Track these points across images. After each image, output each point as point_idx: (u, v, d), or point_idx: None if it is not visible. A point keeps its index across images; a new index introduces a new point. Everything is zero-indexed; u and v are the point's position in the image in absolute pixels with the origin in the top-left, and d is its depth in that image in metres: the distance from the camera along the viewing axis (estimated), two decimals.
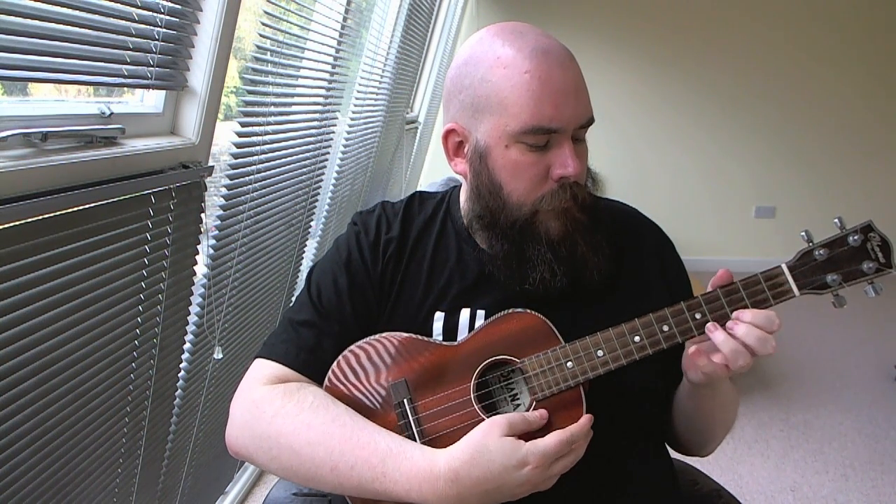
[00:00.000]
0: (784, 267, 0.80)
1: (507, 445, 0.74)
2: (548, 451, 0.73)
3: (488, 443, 0.74)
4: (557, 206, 0.83)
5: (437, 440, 0.80)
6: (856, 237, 0.78)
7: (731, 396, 0.91)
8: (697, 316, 0.79)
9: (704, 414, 0.91)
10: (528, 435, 0.76)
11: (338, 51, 2.00)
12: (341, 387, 0.85)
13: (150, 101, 1.17)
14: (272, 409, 0.82)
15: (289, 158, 1.74)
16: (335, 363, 0.86)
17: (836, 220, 0.80)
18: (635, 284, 0.92)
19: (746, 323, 0.76)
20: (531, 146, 0.81)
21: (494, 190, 0.85)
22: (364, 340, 0.86)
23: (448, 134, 0.88)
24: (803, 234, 0.81)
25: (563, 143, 0.82)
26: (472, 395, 0.82)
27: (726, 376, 0.79)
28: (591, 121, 0.84)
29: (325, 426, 0.80)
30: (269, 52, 1.51)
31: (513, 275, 0.86)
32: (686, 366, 0.82)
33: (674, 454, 0.99)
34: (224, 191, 1.40)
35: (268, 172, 1.59)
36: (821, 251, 0.79)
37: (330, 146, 2.07)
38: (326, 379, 0.86)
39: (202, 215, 1.26)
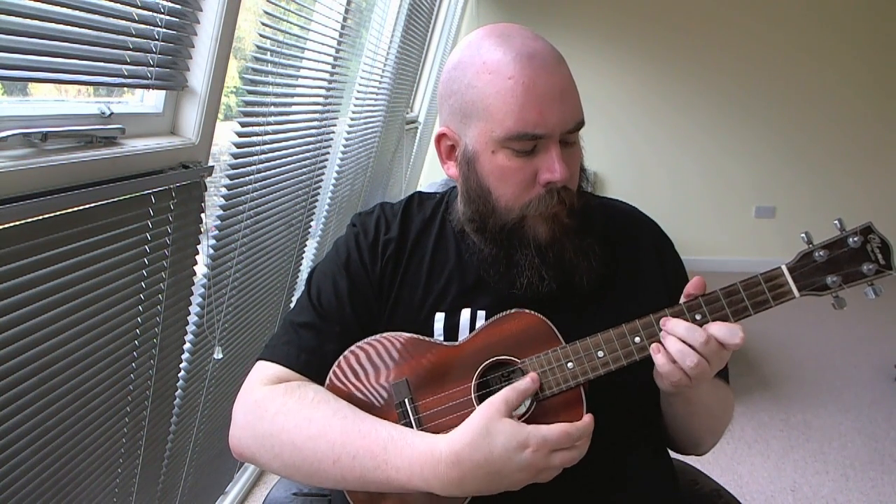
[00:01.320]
0: (784, 268, 0.80)
1: (508, 427, 0.74)
2: (549, 436, 0.73)
3: (489, 425, 0.74)
4: (545, 211, 0.83)
5: None
6: (856, 239, 0.78)
7: (711, 403, 0.89)
8: (698, 317, 0.79)
9: (682, 419, 0.91)
10: (530, 423, 0.76)
11: (338, 51, 2.00)
12: (343, 386, 0.85)
13: (150, 101, 1.17)
14: (274, 407, 0.82)
15: (289, 158, 1.74)
16: (337, 362, 0.86)
17: (836, 222, 0.80)
18: (633, 283, 0.92)
19: (673, 335, 0.77)
20: (517, 152, 0.81)
21: (483, 195, 0.85)
22: (366, 340, 0.87)
23: (440, 138, 0.89)
24: (803, 235, 0.81)
25: (550, 147, 0.81)
26: (472, 395, 0.82)
27: (688, 384, 0.78)
28: (580, 124, 0.84)
29: (327, 419, 0.80)
30: (269, 52, 1.51)
31: (501, 279, 0.86)
32: (654, 374, 0.83)
33: (674, 454, 0.99)
34: (224, 191, 1.40)
35: (268, 172, 1.59)
36: (821, 252, 0.79)
37: (330, 146, 2.07)
38: (328, 378, 0.86)
39: (202, 215, 1.26)
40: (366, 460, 0.77)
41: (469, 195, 0.87)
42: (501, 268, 0.86)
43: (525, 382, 0.78)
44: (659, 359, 0.77)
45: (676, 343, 0.77)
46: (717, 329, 0.76)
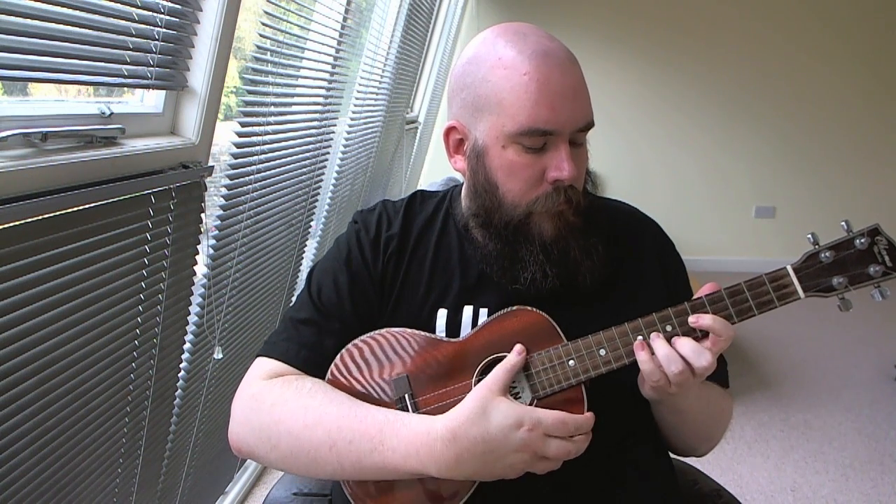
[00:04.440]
0: (789, 268, 0.79)
1: (503, 405, 0.74)
2: (544, 418, 0.74)
3: (486, 403, 0.74)
4: (551, 209, 0.84)
5: None
6: (863, 240, 0.78)
7: (701, 411, 0.89)
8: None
9: (672, 426, 0.91)
10: None
11: (338, 51, 2.00)
12: (343, 381, 0.86)
13: (150, 101, 1.17)
14: (271, 399, 0.83)
15: (289, 158, 1.74)
16: (338, 357, 0.87)
17: (843, 223, 0.79)
18: (635, 283, 0.92)
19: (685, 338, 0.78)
20: (527, 148, 0.82)
21: (490, 189, 0.85)
22: (367, 335, 0.87)
23: (449, 131, 0.89)
24: (809, 236, 0.80)
25: (560, 145, 0.82)
26: None
27: (669, 390, 0.78)
28: (590, 125, 0.84)
29: (323, 407, 0.80)
30: (269, 52, 1.51)
31: (504, 274, 0.86)
32: (638, 381, 0.83)
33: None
34: (224, 191, 1.40)
35: (268, 172, 1.59)
36: (827, 253, 0.78)
37: (330, 146, 2.07)
38: (329, 372, 0.86)
39: (202, 215, 1.26)
40: (362, 443, 0.77)
41: (476, 189, 0.87)
42: (505, 263, 0.86)
43: (512, 357, 0.79)
44: (642, 356, 0.78)
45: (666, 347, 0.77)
46: (713, 320, 0.77)
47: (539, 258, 0.84)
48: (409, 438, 0.75)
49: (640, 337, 0.80)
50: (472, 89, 0.84)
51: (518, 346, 0.80)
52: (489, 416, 0.74)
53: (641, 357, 0.78)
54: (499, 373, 0.77)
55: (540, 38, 0.82)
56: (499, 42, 0.83)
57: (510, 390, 0.84)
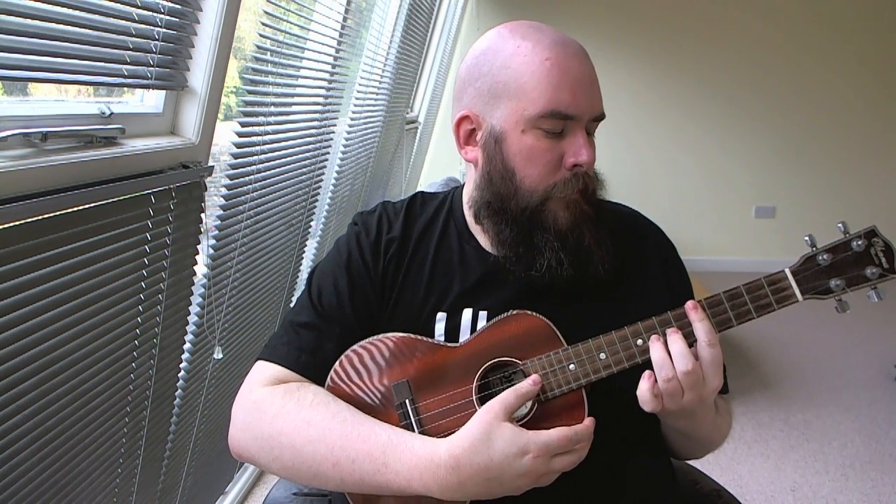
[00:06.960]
0: (787, 271, 0.79)
1: (507, 432, 0.73)
2: (549, 442, 0.73)
3: (489, 430, 0.74)
4: (568, 195, 0.85)
5: None
6: (859, 242, 0.78)
7: (705, 419, 0.87)
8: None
9: (673, 433, 0.91)
10: (531, 426, 0.76)
11: (338, 51, 2.00)
12: (343, 386, 0.85)
13: (150, 101, 1.17)
14: (273, 410, 0.82)
15: (289, 158, 1.74)
16: (338, 363, 0.86)
17: (840, 225, 0.80)
18: (637, 286, 0.92)
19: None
20: (547, 132, 0.83)
21: (507, 175, 0.85)
22: (367, 340, 0.86)
23: (461, 121, 0.89)
24: (807, 238, 0.80)
25: (578, 131, 0.83)
26: (474, 397, 0.82)
27: (681, 398, 0.77)
28: (602, 116, 0.86)
29: (326, 422, 0.80)
30: (269, 52, 1.51)
31: (519, 260, 0.86)
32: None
33: None
34: (224, 191, 1.40)
35: (268, 172, 1.59)
36: (824, 256, 0.79)
37: (330, 146, 2.07)
38: (329, 378, 0.86)
39: (202, 215, 1.26)
40: (365, 464, 0.77)
41: (491, 177, 0.87)
42: (520, 249, 0.86)
43: (525, 385, 0.78)
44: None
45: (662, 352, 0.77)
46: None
47: (554, 245, 0.85)
48: (413, 463, 0.75)
49: (640, 340, 0.80)
50: (488, 77, 0.85)
51: (534, 377, 0.79)
52: (493, 443, 0.73)
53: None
54: (507, 396, 0.76)
55: (555, 32, 0.85)
56: (515, 34, 0.85)
57: None
